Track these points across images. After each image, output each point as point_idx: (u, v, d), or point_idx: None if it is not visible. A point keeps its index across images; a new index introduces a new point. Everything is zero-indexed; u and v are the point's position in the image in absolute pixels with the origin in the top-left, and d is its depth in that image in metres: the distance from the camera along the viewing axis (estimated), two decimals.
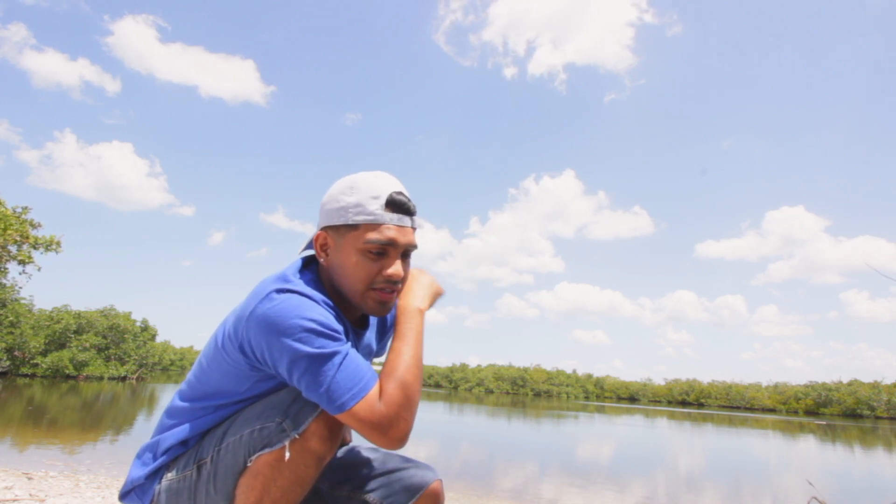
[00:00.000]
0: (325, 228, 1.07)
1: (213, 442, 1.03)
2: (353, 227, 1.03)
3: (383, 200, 1.03)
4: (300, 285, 0.99)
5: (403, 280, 1.09)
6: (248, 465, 0.97)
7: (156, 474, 1.08)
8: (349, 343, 0.99)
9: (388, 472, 1.20)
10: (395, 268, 1.04)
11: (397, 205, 1.04)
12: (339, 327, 0.98)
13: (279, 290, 0.96)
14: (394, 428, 0.93)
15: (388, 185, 1.05)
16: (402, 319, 1.06)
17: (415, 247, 1.08)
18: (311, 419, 0.96)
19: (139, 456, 1.11)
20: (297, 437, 0.95)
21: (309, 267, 1.11)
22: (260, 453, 0.96)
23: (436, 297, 1.18)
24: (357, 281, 1.03)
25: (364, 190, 1.03)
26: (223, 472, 0.99)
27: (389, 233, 1.02)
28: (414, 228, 1.08)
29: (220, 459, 1.00)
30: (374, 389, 0.95)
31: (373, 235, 1.01)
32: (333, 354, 0.94)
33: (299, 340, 0.92)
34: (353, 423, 0.93)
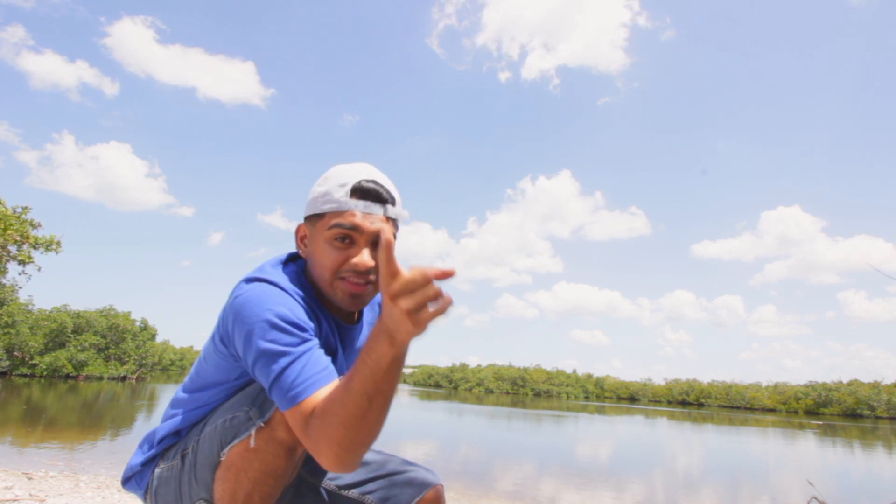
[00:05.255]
0: (305, 220, 1.08)
1: (195, 432, 1.05)
2: (321, 216, 1.02)
3: (349, 187, 1.00)
4: (273, 275, 0.97)
5: (376, 271, 1.00)
6: (222, 457, 0.96)
7: (150, 462, 1.11)
8: (315, 341, 0.93)
9: (388, 475, 1.19)
10: (362, 257, 0.99)
11: (364, 191, 1.01)
12: (307, 323, 0.93)
13: (248, 280, 0.97)
14: (317, 455, 0.83)
15: (358, 173, 1.02)
16: (365, 349, 0.79)
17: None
18: (276, 407, 0.94)
19: (140, 444, 1.15)
20: (262, 425, 0.94)
21: (297, 261, 1.10)
22: (231, 444, 0.95)
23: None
24: (323, 269, 1.00)
25: (334, 179, 1.03)
26: (201, 463, 1.00)
27: (353, 218, 0.98)
28: (389, 218, 1.03)
29: (199, 449, 1.01)
30: (311, 400, 0.85)
31: (335, 221, 0.99)
32: (283, 353, 0.88)
33: (256, 331, 0.90)
34: (293, 428, 0.88)
